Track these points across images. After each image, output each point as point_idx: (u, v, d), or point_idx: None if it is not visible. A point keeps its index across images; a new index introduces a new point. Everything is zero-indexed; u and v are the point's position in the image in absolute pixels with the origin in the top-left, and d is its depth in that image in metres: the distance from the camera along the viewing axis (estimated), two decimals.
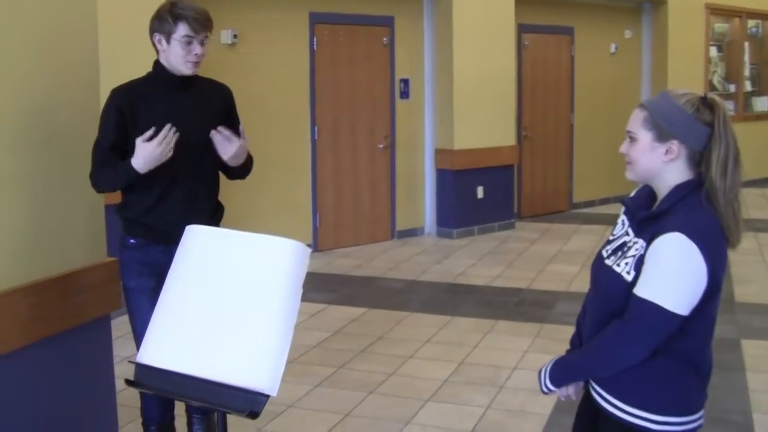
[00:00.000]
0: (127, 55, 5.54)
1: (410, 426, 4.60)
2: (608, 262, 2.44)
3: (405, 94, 9.93)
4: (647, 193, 2.48)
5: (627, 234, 2.45)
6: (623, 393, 2.37)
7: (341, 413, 4.76)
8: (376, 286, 7.86)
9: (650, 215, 2.35)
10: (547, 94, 11.53)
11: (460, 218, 10.05)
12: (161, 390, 2.55)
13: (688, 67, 12.85)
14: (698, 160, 2.32)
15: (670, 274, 2.23)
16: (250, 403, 2.27)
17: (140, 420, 3.68)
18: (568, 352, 2.64)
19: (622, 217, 2.54)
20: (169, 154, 3.33)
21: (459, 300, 7.29)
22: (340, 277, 8.23)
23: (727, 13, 13.98)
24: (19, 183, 3.15)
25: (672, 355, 2.31)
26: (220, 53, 8.00)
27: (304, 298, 2.39)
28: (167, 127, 3.31)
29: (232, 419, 2.58)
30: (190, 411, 3.67)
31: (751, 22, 14.52)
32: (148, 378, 2.48)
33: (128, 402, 4.12)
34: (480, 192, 10.16)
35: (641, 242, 2.32)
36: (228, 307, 2.41)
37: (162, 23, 3.38)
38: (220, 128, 3.44)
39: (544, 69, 11.46)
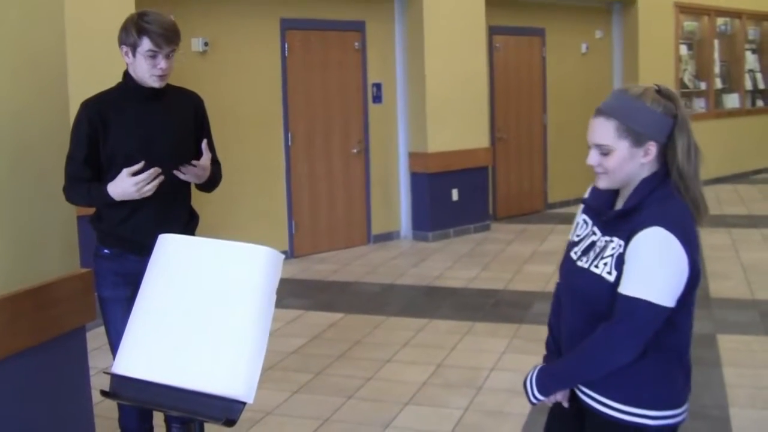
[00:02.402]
0: (95, 66, 5.51)
1: (389, 430, 4.60)
2: (581, 264, 2.42)
3: (378, 99, 9.94)
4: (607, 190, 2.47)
5: (594, 234, 2.44)
6: (615, 392, 2.35)
7: (320, 419, 4.75)
8: (353, 290, 7.85)
9: (622, 212, 2.35)
10: (519, 96, 11.57)
11: (436, 221, 10.06)
12: (137, 400, 2.53)
13: (659, 66, 12.94)
14: (663, 150, 2.34)
15: (654, 268, 2.23)
16: (227, 410, 2.26)
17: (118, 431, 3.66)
18: (547, 357, 2.63)
19: (583, 216, 2.53)
20: (148, 194, 3.31)
21: (436, 303, 7.30)
22: (316, 282, 8.22)
23: (696, 12, 14.10)
24: None
25: (661, 349, 2.31)
26: (191, 61, 7.97)
27: (282, 304, 2.39)
28: (152, 170, 3.29)
29: (211, 428, 2.57)
30: (168, 420, 3.65)
31: (720, 20, 14.66)
32: (123, 389, 2.46)
33: (106, 413, 4.10)
34: (455, 194, 10.18)
35: (618, 240, 2.31)
36: (202, 316, 2.41)
37: (128, 35, 3.36)
38: (184, 169, 3.43)
39: (516, 70, 11.50)
